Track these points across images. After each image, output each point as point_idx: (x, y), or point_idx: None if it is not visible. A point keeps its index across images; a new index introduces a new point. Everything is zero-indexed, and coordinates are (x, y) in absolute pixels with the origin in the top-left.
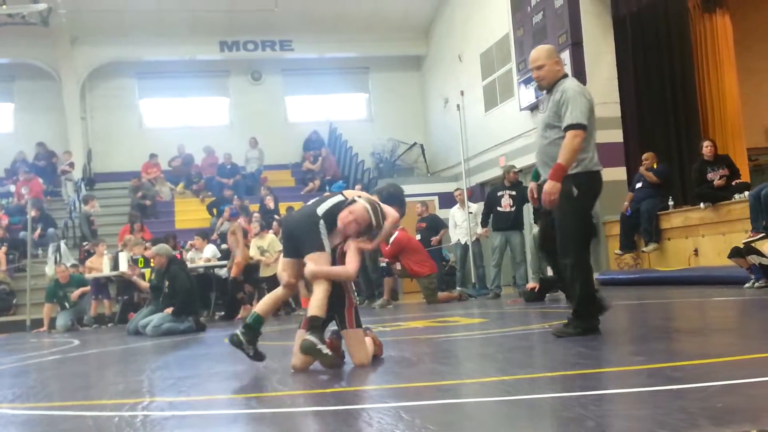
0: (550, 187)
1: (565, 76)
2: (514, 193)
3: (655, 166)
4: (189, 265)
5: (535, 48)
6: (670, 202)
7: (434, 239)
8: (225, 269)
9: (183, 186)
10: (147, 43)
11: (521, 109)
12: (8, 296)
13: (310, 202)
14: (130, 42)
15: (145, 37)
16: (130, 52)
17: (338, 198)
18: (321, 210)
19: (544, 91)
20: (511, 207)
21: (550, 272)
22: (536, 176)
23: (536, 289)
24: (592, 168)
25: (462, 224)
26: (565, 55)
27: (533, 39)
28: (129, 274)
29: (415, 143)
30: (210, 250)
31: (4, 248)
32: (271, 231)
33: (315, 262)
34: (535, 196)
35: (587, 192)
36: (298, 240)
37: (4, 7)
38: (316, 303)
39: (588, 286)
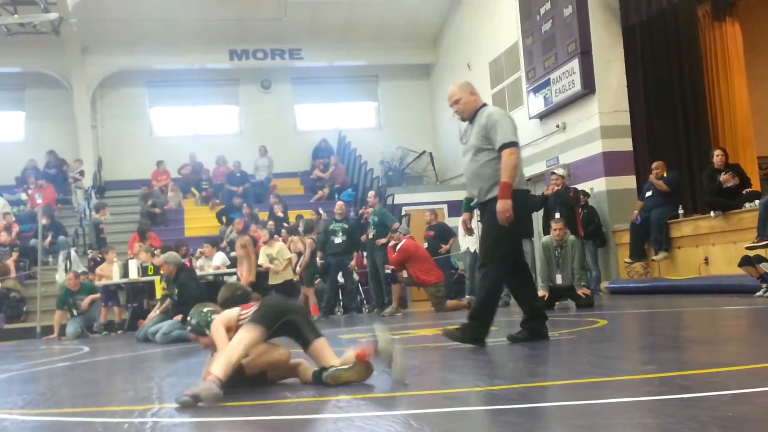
0: (502, 205)
1: (484, 105)
2: None
3: (665, 175)
4: (198, 272)
5: (451, 85)
6: (680, 211)
7: (444, 248)
8: (234, 277)
9: (194, 195)
10: (157, 51)
11: (531, 118)
12: (19, 303)
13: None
14: (140, 51)
15: (155, 46)
16: (140, 60)
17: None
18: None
19: (466, 122)
20: None
21: (559, 280)
22: (467, 206)
23: (545, 298)
24: (519, 186)
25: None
26: (574, 64)
27: (542, 47)
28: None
29: (424, 151)
30: (219, 258)
31: (14, 255)
32: (279, 239)
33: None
34: (468, 226)
35: (516, 211)
36: (305, 325)
37: (16, 16)
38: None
39: (490, 299)
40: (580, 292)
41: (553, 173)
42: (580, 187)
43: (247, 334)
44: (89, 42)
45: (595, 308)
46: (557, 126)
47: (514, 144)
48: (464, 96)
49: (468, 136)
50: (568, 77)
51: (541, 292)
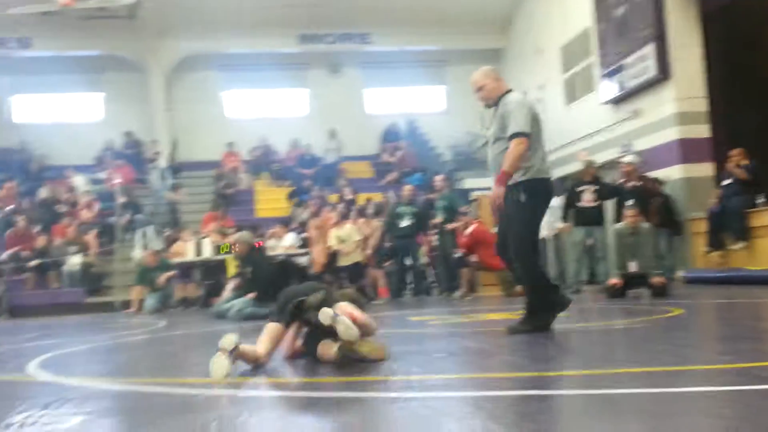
0: (495, 191)
1: (509, 91)
2: (595, 188)
3: (744, 163)
4: (270, 252)
5: (475, 72)
6: (760, 200)
7: None
8: (305, 258)
9: (265, 176)
10: (229, 35)
11: (602, 104)
12: (98, 278)
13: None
14: (213, 35)
15: (227, 30)
16: (213, 44)
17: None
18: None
19: (491, 109)
20: (593, 202)
21: (632, 268)
22: None
23: (618, 286)
24: (539, 175)
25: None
26: (649, 49)
27: (616, 32)
28: None
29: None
30: (290, 239)
31: (95, 232)
32: (350, 221)
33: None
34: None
35: (535, 198)
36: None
37: (93, 0)
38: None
39: (537, 288)
40: (654, 280)
41: (624, 162)
42: (653, 174)
43: (267, 330)
44: (164, 26)
45: (669, 297)
46: (630, 112)
47: (523, 135)
48: (488, 83)
49: (489, 126)
50: (642, 63)
51: (613, 280)
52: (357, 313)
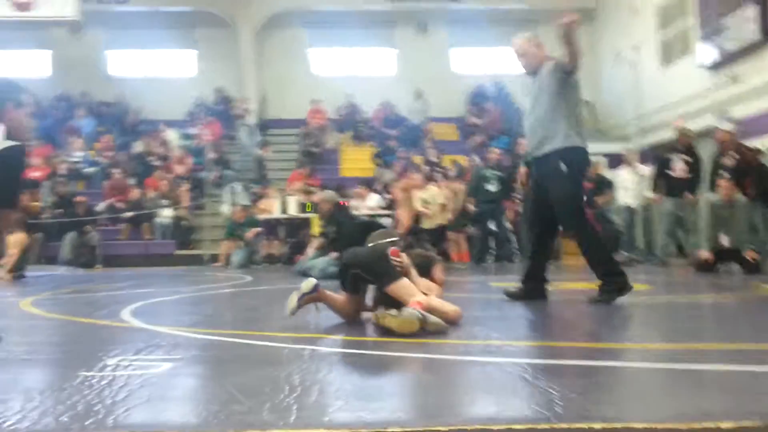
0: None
1: (549, 58)
2: (688, 157)
3: None
4: (354, 212)
5: (514, 39)
6: None
7: (600, 199)
8: (390, 219)
9: (351, 136)
10: None
11: (700, 67)
12: (188, 231)
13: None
14: None
15: None
16: (301, 2)
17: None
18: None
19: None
20: (685, 172)
21: (725, 242)
22: (528, 162)
23: (709, 259)
24: (576, 144)
25: (631, 187)
26: (751, 10)
27: None
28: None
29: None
30: (374, 199)
31: (186, 186)
32: (434, 184)
33: (400, 292)
34: (524, 180)
35: (573, 166)
36: (371, 271)
37: None
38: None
39: (601, 249)
40: (747, 255)
41: (719, 128)
42: (752, 144)
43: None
44: None
45: (762, 273)
46: (728, 77)
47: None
48: (531, 49)
49: (530, 92)
50: (743, 24)
51: (705, 254)
52: (435, 302)
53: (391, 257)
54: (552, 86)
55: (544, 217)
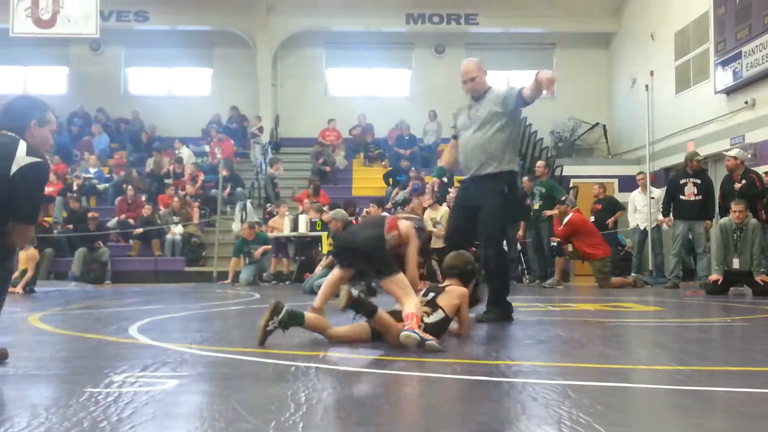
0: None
1: (490, 87)
2: (698, 181)
3: None
4: None
5: (466, 61)
6: None
7: (610, 221)
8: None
9: (362, 156)
10: (336, 14)
11: (717, 92)
12: (198, 248)
13: (363, 223)
14: (320, 13)
15: (334, 9)
16: (320, 22)
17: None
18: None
19: (471, 101)
20: (695, 196)
21: (736, 265)
22: (441, 174)
23: (719, 282)
24: (515, 169)
25: (642, 209)
26: None
27: (736, 18)
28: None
29: (597, 123)
30: None
31: (197, 203)
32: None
33: (395, 286)
34: (436, 189)
35: (513, 188)
36: (368, 260)
37: None
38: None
39: (503, 277)
40: (758, 278)
41: (729, 155)
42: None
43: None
44: (274, 3)
45: None
46: (746, 102)
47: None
48: (480, 75)
49: (472, 114)
50: (762, 50)
51: (715, 276)
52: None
53: (389, 235)
54: (498, 113)
55: (464, 231)
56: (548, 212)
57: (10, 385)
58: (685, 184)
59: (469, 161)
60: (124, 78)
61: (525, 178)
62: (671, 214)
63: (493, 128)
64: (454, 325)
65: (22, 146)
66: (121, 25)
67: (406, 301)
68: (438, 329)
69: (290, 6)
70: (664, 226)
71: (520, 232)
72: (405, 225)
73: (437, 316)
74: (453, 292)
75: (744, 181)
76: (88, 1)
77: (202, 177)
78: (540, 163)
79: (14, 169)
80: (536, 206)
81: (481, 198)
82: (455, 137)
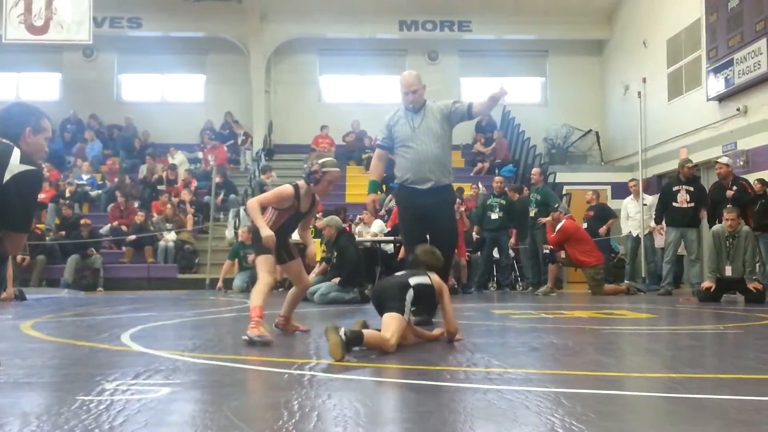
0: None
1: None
2: (691, 188)
3: None
4: (357, 238)
5: (407, 73)
6: None
7: (602, 230)
8: (391, 245)
9: (356, 162)
10: (330, 21)
11: (709, 99)
12: (191, 255)
13: (399, 274)
14: (313, 19)
15: (328, 15)
16: (314, 29)
17: (426, 279)
18: (413, 281)
19: (410, 112)
20: (687, 203)
21: (728, 272)
22: (375, 188)
23: (712, 289)
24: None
25: (635, 216)
26: (762, 44)
27: (727, 25)
28: None
29: (590, 130)
30: (377, 225)
31: (192, 210)
32: None
33: (388, 322)
34: (376, 206)
35: (455, 198)
36: (385, 302)
37: None
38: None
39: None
40: (750, 286)
41: (720, 162)
42: (759, 175)
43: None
44: (268, 10)
45: (766, 304)
46: (737, 109)
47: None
48: (420, 88)
49: (416, 126)
50: (753, 57)
51: (707, 284)
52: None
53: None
54: (446, 127)
55: (419, 238)
56: (543, 219)
57: (2, 393)
58: (678, 191)
59: (427, 173)
60: (117, 84)
61: (508, 187)
62: (663, 221)
63: (445, 142)
64: (438, 330)
65: (16, 154)
66: (115, 31)
67: (383, 334)
68: (426, 292)
69: (284, 13)
70: (656, 234)
71: (512, 240)
72: (438, 278)
73: (425, 279)
74: (433, 276)
75: (735, 188)
76: (81, 8)
77: (195, 184)
78: (535, 170)
79: (7, 177)
80: (532, 213)
81: (439, 208)
82: (384, 147)
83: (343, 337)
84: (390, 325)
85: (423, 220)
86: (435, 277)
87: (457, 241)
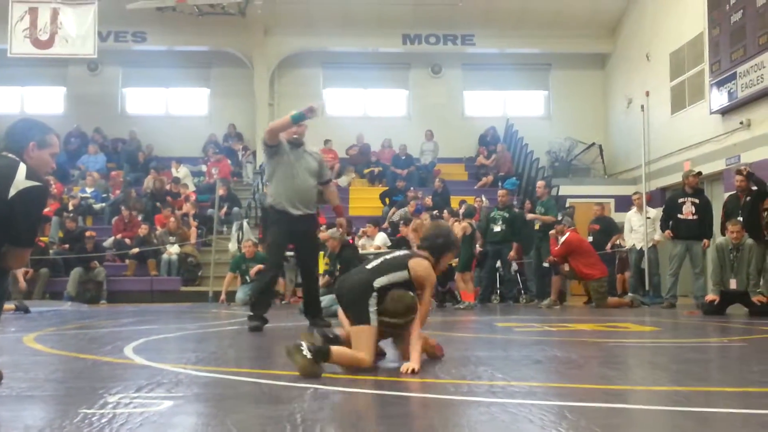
0: (344, 221)
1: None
2: (697, 200)
3: None
4: (360, 251)
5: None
6: None
7: (608, 247)
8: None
9: (357, 174)
10: (333, 34)
11: (712, 113)
12: (195, 268)
13: (370, 266)
14: (317, 33)
15: (331, 29)
16: (317, 42)
17: (402, 275)
18: (378, 283)
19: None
20: (693, 215)
21: (732, 285)
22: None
23: (716, 302)
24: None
25: (638, 229)
26: (765, 57)
27: (730, 39)
28: None
29: (593, 143)
30: (381, 238)
31: (196, 223)
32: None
33: (358, 337)
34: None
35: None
36: (348, 307)
37: None
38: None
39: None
40: (755, 299)
41: (737, 174)
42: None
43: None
44: (271, 23)
45: None
46: (741, 123)
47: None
48: (306, 125)
49: (299, 158)
50: (756, 71)
51: (711, 296)
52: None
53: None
54: (318, 168)
55: (284, 252)
56: (537, 220)
57: (4, 407)
58: (684, 203)
59: (305, 200)
60: (122, 98)
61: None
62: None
63: (308, 175)
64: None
65: (22, 169)
66: (119, 45)
67: (356, 353)
68: (404, 287)
69: (287, 26)
70: (662, 245)
71: (512, 252)
72: (424, 268)
73: (401, 275)
74: (421, 265)
75: (749, 198)
76: (86, 22)
77: (194, 197)
78: (540, 183)
79: (12, 192)
80: (536, 226)
81: (307, 235)
82: (274, 148)
83: (309, 355)
84: (361, 341)
85: (290, 237)
86: (420, 267)
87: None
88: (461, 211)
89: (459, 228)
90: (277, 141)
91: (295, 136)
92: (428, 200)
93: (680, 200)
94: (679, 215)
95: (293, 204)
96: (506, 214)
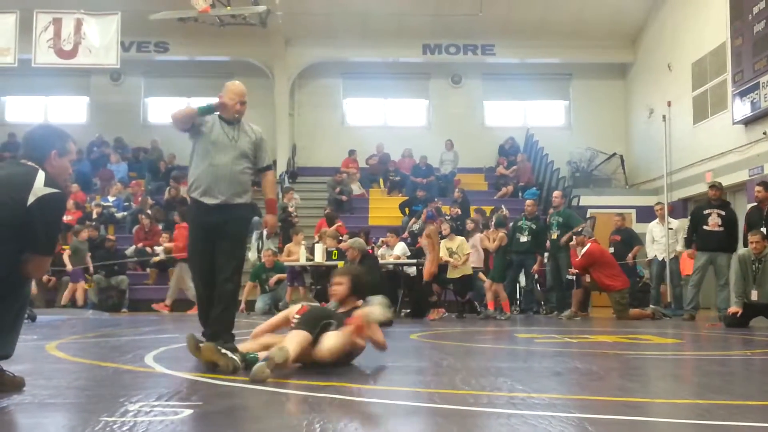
0: (274, 220)
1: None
2: (723, 212)
3: None
4: (380, 261)
5: (239, 83)
6: None
7: (629, 258)
8: (414, 267)
9: (381, 183)
10: (353, 44)
11: (735, 123)
12: None
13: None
14: (337, 43)
15: (352, 39)
16: (338, 53)
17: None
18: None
19: (224, 122)
20: (719, 226)
21: (754, 297)
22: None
23: (739, 314)
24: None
25: (660, 240)
26: None
27: (753, 49)
28: None
29: (614, 154)
30: (400, 248)
31: None
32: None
33: (295, 335)
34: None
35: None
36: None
37: (229, 8)
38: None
39: (235, 308)
40: None
41: (757, 186)
42: None
43: (297, 336)
44: (292, 34)
45: None
46: (764, 133)
47: (272, 167)
48: (246, 100)
49: (229, 137)
50: None
51: (734, 309)
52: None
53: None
54: (253, 150)
55: (203, 251)
56: (564, 239)
57: (27, 413)
58: (710, 214)
59: (225, 187)
60: (144, 108)
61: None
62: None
63: (241, 161)
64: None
65: (41, 177)
66: (142, 55)
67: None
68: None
69: (308, 37)
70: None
71: (536, 266)
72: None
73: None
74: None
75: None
76: (109, 33)
77: None
78: (557, 193)
79: (31, 199)
80: (554, 236)
81: (228, 226)
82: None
83: (241, 364)
84: (294, 340)
85: (206, 232)
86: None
87: (241, 267)
88: (492, 222)
89: (496, 238)
90: (185, 129)
91: (236, 115)
92: (456, 210)
93: (706, 212)
94: (705, 227)
95: (209, 191)
96: (533, 225)
